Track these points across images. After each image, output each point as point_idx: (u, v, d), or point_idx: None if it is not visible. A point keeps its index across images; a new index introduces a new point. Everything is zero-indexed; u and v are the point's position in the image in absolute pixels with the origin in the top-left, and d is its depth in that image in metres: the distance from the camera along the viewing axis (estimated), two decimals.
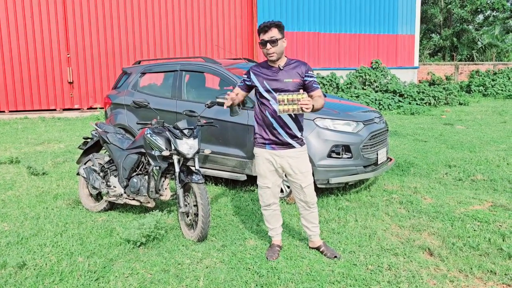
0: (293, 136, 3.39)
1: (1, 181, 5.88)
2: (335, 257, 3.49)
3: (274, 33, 3.23)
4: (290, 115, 3.34)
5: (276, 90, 3.28)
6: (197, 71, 5.87)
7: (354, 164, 4.85)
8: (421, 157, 6.96)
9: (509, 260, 3.44)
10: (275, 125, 3.35)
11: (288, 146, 3.39)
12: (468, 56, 27.61)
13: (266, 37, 3.23)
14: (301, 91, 3.29)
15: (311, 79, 3.34)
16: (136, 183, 4.32)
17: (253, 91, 3.50)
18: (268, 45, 3.23)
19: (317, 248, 3.63)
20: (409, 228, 4.12)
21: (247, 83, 3.45)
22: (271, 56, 3.28)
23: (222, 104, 4.74)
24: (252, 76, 3.40)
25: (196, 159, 4.05)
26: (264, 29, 3.24)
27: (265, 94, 3.35)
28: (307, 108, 3.06)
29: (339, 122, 4.93)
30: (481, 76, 19.34)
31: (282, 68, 3.34)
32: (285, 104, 3.08)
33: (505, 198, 4.92)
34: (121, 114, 6.23)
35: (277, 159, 3.41)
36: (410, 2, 16.47)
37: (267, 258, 3.48)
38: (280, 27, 3.27)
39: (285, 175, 3.55)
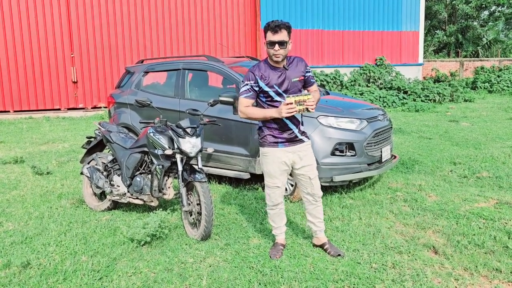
0: (302, 132, 3.46)
1: (6, 180, 5.91)
2: (339, 255, 3.48)
3: (283, 35, 3.18)
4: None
5: (287, 91, 3.30)
6: (200, 70, 5.87)
7: (358, 162, 4.82)
8: (425, 155, 6.92)
9: None
10: (290, 125, 3.38)
11: (299, 141, 3.44)
12: (473, 52, 27.43)
13: (275, 38, 3.16)
14: (306, 91, 3.37)
15: (309, 74, 3.44)
16: (139, 182, 4.32)
17: None
18: (277, 47, 3.18)
19: (321, 246, 3.63)
20: (414, 226, 4.10)
21: (256, 88, 3.31)
22: (277, 57, 3.23)
23: (225, 103, 4.77)
24: (260, 81, 3.29)
25: (199, 158, 4.05)
26: (275, 29, 3.16)
27: (277, 98, 3.32)
28: (312, 109, 3.14)
29: (342, 120, 4.91)
30: (486, 72, 19.20)
31: (287, 68, 3.33)
32: None
33: (510, 195, 4.87)
34: (125, 113, 6.24)
35: (289, 156, 3.42)
36: None
37: (270, 257, 3.47)
38: (289, 29, 3.23)
39: (292, 170, 3.53)
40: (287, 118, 3.31)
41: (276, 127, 3.37)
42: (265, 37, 3.23)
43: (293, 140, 3.41)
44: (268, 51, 3.24)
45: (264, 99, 3.35)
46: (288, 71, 3.32)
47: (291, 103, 3.11)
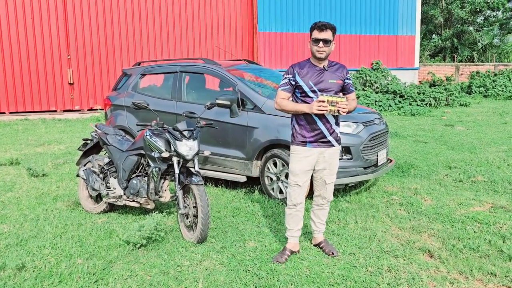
0: (332, 132, 3.46)
1: (1, 182, 5.88)
2: (332, 253, 3.54)
3: (328, 34, 3.31)
4: None
5: (321, 90, 3.36)
6: (197, 73, 5.87)
7: (354, 165, 4.84)
8: (421, 158, 6.95)
9: (509, 262, 3.43)
10: (319, 124, 3.41)
11: (328, 144, 3.47)
12: (469, 57, 27.60)
13: (321, 36, 3.30)
14: (341, 94, 3.44)
15: (349, 81, 3.51)
16: (135, 184, 4.31)
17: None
18: (321, 44, 3.30)
19: (318, 244, 3.70)
20: (409, 229, 4.11)
21: (293, 82, 3.43)
22: (321, 54, 3.33)
23: (222, 106, 4.78)
24: (297, 76, 3.41)
25: (196, 161, 4.05)
26: (321, 27, 3.30)
27: (311, 94, 3.39)
28: (343, 112, 3.20)
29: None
30: (481, 77, 19.32)
31: (327, 69, 3.42)
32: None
33: (505, 199, 4.90)
34: (121, 116, 6.23)
35: (315, 156, 3.46)
36: (411, 3, 16.46)
37: (273, 261, 3.45)
38: (334, 30, 3.35)
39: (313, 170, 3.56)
40: (316, 116, 3.38)
41: (305, 124, 3.43)
42: (310, 36, 3.36)
43: (322, 141, 3.45)
44: (312, 48, 3.35)
45: (299, 94, 3.44)
46: (327, 71, 3.42)
47: (323, 101, 3.19)
